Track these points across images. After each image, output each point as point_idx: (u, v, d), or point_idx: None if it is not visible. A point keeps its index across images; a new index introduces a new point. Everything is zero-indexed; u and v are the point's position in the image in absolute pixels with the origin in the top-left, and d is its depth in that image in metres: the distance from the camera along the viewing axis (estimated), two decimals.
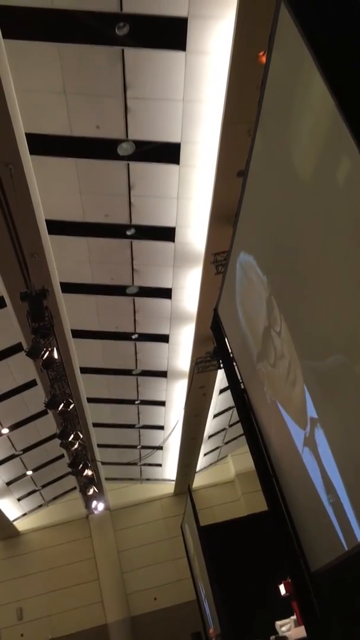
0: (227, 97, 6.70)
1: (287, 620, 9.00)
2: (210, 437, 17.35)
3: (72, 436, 11.17)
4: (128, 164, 8.09)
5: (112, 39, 6.47)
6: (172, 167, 8.10)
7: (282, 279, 5.20)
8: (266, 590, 10.09)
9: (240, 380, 7.92)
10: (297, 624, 8.41)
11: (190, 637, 16.63)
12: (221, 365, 10.67)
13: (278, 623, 9.19)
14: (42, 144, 7.68)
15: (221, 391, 14.35)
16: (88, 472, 13.13)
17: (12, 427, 13.87)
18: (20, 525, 19.78)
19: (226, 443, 19.08)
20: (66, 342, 10.95)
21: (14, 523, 19.24)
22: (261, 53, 5.83)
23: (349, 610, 5.48)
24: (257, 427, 7.34)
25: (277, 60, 4.40)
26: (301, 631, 7.41)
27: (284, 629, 8.94)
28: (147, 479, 20.56)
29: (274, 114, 4.76)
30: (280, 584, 9.19)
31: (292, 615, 8.79)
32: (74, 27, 6.43)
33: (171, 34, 6.48)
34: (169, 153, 7.88)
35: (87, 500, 17.66)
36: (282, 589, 9.15)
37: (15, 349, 10.95)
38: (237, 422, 15.58)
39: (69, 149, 7.87)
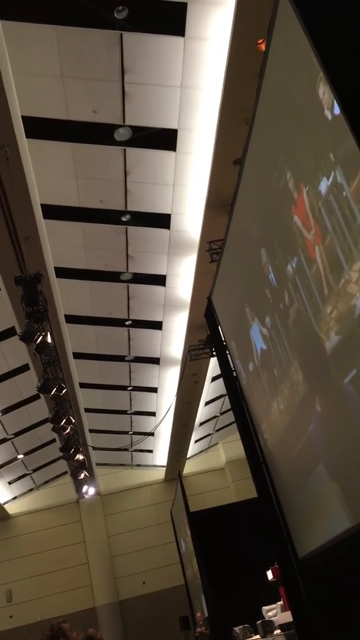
0: (225, 84, 6.66)
1: (273, 606, 9.11)
2: (201, 424, 17.43)
3: (64, 421, 11.20)
4: (124, 150, 8.06)
5: (111, 22, 6.42)
6: (169, 154, 8.07)
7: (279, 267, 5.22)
8: (253, 575, 10.21)
9: (232, 369, 7.96)
10: (283, 609, 8.52)
11: (178, 621, 16.83)
12: (214, 353, 10.72)
13: (265, 608, 9.30)
14: (38, 128, 7.62)
15: (213, 379, 14.39)
16: (79, 456, 13.17)
17: (4, 411, 13.89)
18: (11, 509, 19.86)
19: (217, 430, 19.17)
20: (59, 327, 10.95)
21: (5, 506, 19.31)
22: (260, 41, 5.80)
23: (335, 597, 5.56)
24: (248, 415, 7.39)
25: (276, 48, 4.39)
26: (287, 616, 7.52)
27: (270, 614, 9.05)
28: (138, 465, 20.65)
29: (272, 103, 4.75)
30: (268, 569, 9.29)
31: (279, 600, 8.90)
32: (73, 9, 6.37)
33: (170, 18, 6.42)
34: (166, 139, 7.85)
35: (78, 485, 17.74)
36: (270, 575, 9.24)
37: (8, 332, 10.93)
38: (228, 410, 15.65)
39: (65, 133, 7.81)
